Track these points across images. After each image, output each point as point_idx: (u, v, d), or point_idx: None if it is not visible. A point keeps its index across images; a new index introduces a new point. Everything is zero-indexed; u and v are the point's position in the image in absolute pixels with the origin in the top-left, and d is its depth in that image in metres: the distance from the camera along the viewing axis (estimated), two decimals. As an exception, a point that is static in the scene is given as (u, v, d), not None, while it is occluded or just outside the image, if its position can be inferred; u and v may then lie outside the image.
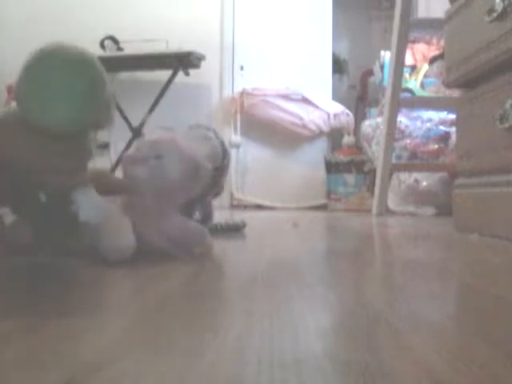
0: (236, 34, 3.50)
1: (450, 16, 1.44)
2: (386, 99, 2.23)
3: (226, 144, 1.23)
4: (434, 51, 2.83)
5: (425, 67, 2.81)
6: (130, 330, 0.40)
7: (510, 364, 0.33)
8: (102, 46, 3.18)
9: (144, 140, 0.85)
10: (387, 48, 2.65)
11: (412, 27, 2.20)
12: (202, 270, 0.75)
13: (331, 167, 3.12)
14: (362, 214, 2.49)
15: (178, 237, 0.79)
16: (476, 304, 0.52)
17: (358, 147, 3.18)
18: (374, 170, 2.47)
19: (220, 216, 1.56)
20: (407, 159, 2.55)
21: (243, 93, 3.37)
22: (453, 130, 2.41)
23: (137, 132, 3.04)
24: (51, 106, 0.59)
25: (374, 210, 2.27)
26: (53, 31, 3.41)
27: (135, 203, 0.79)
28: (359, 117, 3.60)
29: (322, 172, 3.21)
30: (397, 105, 2.20)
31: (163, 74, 3.10)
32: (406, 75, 2.72)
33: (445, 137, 2.54)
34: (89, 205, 0.68)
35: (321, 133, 3.42)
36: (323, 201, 3.24)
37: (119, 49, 3.22)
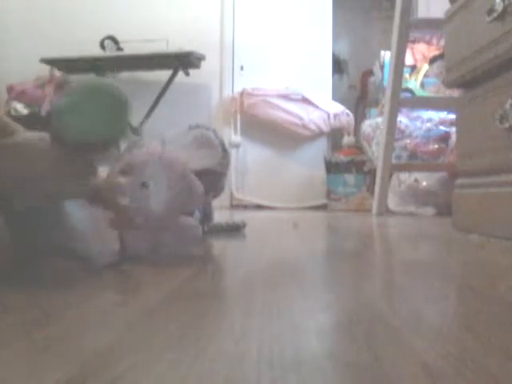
0: (236, 34, 3.50)
1: (449, 16, 1.44)
2: (386, 99, 2.23)
3: (226, 144, 1.23)
4: (433, 51, 2.83)
5: (425, 67, 2.81)
6: (130, 330, 0.40)
7: (510, 364, 0.33)
8: (102, 46, 3.18)
9: (127, 158, 0.81)
10: (387, 48, 2.65)
11: (412, 27, 2.20)
12: (202, 269, 0.75)
13: (331, 167, 3.12)
14: (362, 214, 2.49)
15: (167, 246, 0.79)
16: (476, 304, 0.52)
17: (358, 147, 3.18)
18: (374, 170, 2.47)
19: (220, 216, 1.56)
20: (407, 159, 2.55)
21: (243, 93, 3.37)
22: (453, 130, 2.41)
23: (137, 132, 3.04)
24: (90, 125, 0.66)
25: (374, 210, 2.27)
26: (53, 31, 3.42)
27: (123, 220, 0.78)
28: (359, 117, 3.61)
29: (322, 172, 3.21)
30: (397, 105, 2.20)
31: (163, 74, 3.10)
32: (406, 75, 2.72)
33: (445, 137, 2.54)
34: (81, 215, 0.70)
35: (321, 133, 3.42)
36: (323, 201, 3.24)
37: (119, 49, 3.22)
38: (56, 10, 3.47)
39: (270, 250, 0.99)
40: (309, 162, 3.44)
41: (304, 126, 3.36)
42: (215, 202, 1.27)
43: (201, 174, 1.12)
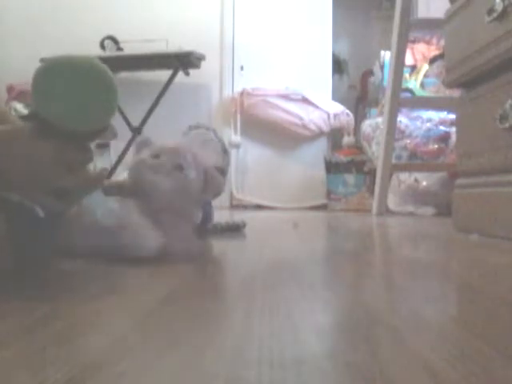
0: (236, 34, 3.50)
1: (450, 16, 1.44)
2: (386, 99, 2.23)
3: (226, 144, 1.23)
4: (434, 51, 2.83)
5: (425, 67, 2.81)
6: (130, 330, 0.40)
7: (510, 364, 0.33)
8: (102, 46, 3.18)
9: (158, 145, 0.82)
10: (387, 48, 2.65)
11: (412, 27, 2.20)
12: (202, 270, 0.75)
13: (331, 167, 3.12)
14: (362, 214, 2.49)
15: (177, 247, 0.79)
16: (476, 304, 0.52)
17: (358, 147, 3.18)
18: (374, 170, 2.47)
19: (220, 216, 1.56)
20: (407, 159, 2.55)
21: (243, 93, 3.37)
22: (453, 130, 2.41)
23: (137, 132, 3.04)
24: (79, 109, 0.62)
25: (374, 210, 2.27)
26: (53, 31, 3.42)
27: (146, 207, 0.79)
28: (359, 117, 3.60)
29: (322, 172, 3.21)
30: (397, 105, 2.20)
31: (163, 74, 3.10)
32: (406, 75, 2.72)
33: (445, 137, 2.54)
34: (104, 208, 0.69)
35: (321, 133, 3.42)
36: (323, 201, 3.24)
37: (119, 49, 3.22)
38: (56, 9, 3.47)
39: (270, 250, 0.99)
40: (309, 162, 3.44)
41: (304, 126, 3.36)
42: (215, 202, 1.27)
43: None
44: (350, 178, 3.06)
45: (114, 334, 0.39)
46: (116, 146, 3.11)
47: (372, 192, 2.49)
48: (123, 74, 3.32)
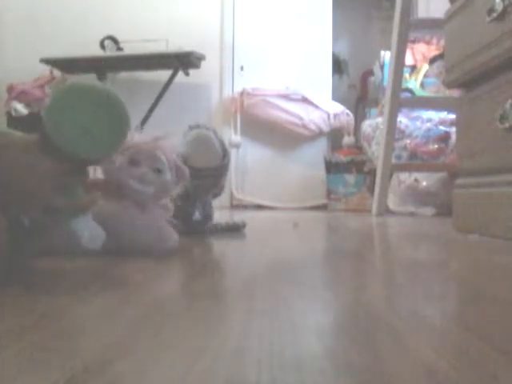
0: (236, 34, 3.50)
1: (450, 16, 1.44)
2: (386, 99, 2.23)
3: (226, 144, 1.23)
4: (434, 51, 2.83)
5: (425, 67, 2.81)
6: (130, 330, 0.40)
7: (510, 364, 0.33)
8: (102, 46, 3.18)
9: (134, 147, 0.83)
10: (387, 48, 2.65)
11: (412, 27, 2.20)
12: (202, 269, 0.75)
13: (331, 167, 3.12)
14: (362, 214, 2.49)
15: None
16: (476, 304, 0.52)
17: (358, 147, 3.18)
18: (374, 170, 2.47)
19: (220, 216, 1.56)
20: (407, 159, 2.55)
21: (243, 93, 3.37)
22: (453, 130, 2.41)
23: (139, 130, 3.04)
24: (88, 138, 0.62)
25: (374, 210, 2.27)
26: (53, 31, 3.42)
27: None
28: (359, 117, 3.60)
29: (322, 172, 3.21)
30: (397, 105, 2.20)
31: (163, 74, 3.10)
32: (406, 75, 2.72)
33: (445, 137, 2.54)
34: (89, 232, 0.70)
35: (321, 133, 3.42)
36: (323, 201, 3.24)
37: (119, 49, 3.22)
38: (56, 9, 3.47)
39: (270, 250, 0.99)
40: (309, 162, 3.44)
41: (304, 126, 3.36)
42: (215, 202, 1.27)
43: (201, 173, 1.12)
44: (350, 178, 3.06)
45: (113, 334, 0.39)
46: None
47: (372, 192, 2.49)
48: (123, 74, 3.32)
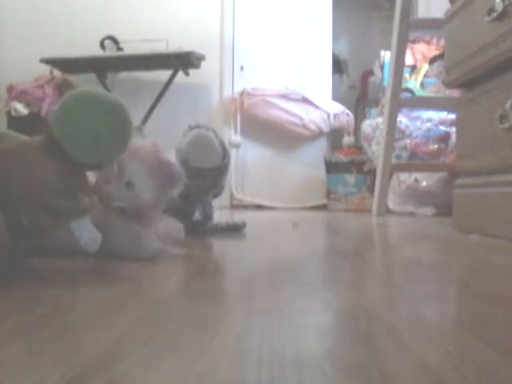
0: (236, 34, 3.50)
1: (450, 16, 1.44)
2: (386, 99, 2.23)
3: (226, 144, 1.23)
4: (434, 51, 2.83)
5: (425, 67, 2.81)
6: (131, 330, 0.40)
7: (510, 364, 0.33)
8: (102, 46, 3.18)
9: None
10: (387, 48, 2.65)
11: (412, 27, 2.20)
12: (202, 270, 0.75)
13: (331, 167, 3.12)
14: (362, 214, 2.49)
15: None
16: (476, 304, 0.52)
17: (358, 147, 3.18)
18: (374, 170, 2.47)
19: (220, 216, 1.56)
20: (407, 159, 2.55)
21: (243, 93, 3.37)
22: (453, 130, 2.41)
23: (138, 132, 3.04)
24: (92, 144, 0.64)
25: (374, 210, 2.27)
26: (53, 31, 3.42)
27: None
28: (359, 117, 3.60)
29: (322, 172, 3.21)
30: (397, 105, 2.20)
31: (163, 74, 3.10)
32: (406, 75, 2.72)
33: (445, 137, 2.54)
34: (88, 234, 0.70)
35: (321, 133, 3.42)
36: (323, 201, 3.24)
37: (119, 49, 3.22)
38: (56, 10, 3.47)
39: (270, 250, 0.99)
40: (309, 162, 3.44)
41: (304, 126, 3.36)
42: (215, 202, 1.27)
43: (201, 173, 1.12)
44: (350, 178, 3.06)
45: (113, 333, 0.39)
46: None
47: (372, 192, 2.49)
48: (123, 74, 3.32)
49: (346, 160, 3.09)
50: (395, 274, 0.74)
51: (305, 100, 3.36)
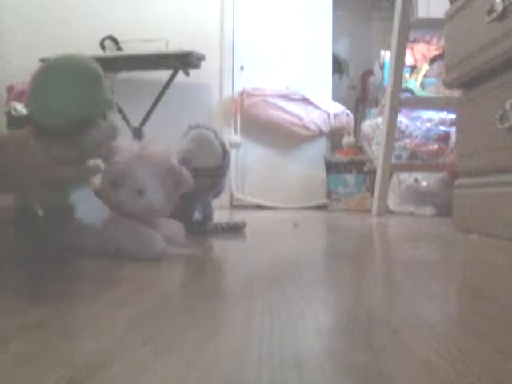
0: (236, 34, 3.50)
1: (450, 16, 1.44)
2: (386, 99, 2.23)
3: (226, 144, 1.23)
4: (434, 51, 2.83)
5: (425, 67, 2.81)
6: (130, 330, 0.40)
7: (510, 364, 0.33)
8: (102, 46, 3.18)
9: (115, 168, 0.80)
10: (387, 48, 2.65)
11: (412, 27, 2.20)
12: (202, 270, 0.75)
13: (331, 167, 3.12)
14: (362, 214, 2.49)
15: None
16: (476, 304, 0.52)
17: (358, 147, 3.18)
18: (374, 170, 2.47)
19: (220, 216, 1.56)
20: (407, 159, 2.55)
21: (243, 93, 3.37)
22: (453, 130, 2.41)
23: (137, 132, 3.04)
24: (49, 105, 0.65)
25: (374, 210, 2.27)
26: (53, 31, 3.42)
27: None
28: (359, 117, 3.60)
29: (322, 172, 3.21)
30: (397, 105, 2.20)
31: (163, 74, 3.10)
32: (406, 75, 2.72)
33: (445, 137, 2.54)
34: (87, 205, 0.69)
35: (321, 133, 3.42)
36: (323, 201, 3.24)
37: (119, 49, 3.22)
38: (56, 10, 3.47)
39: (270, 250, 0.99)
40: (309, 162, 3.44)
41: (304, 126, 3.36)
42: (215, 202, 1.27)
43: (201, 173, 1.12)
44: (350, 178, 3.06)
45: (113, 333, 0.39)
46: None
47: (372, 192, 2.49)
48: (123, 74, 3.32)
49: (346, 160, 3.09)
50: (395, 274, 0.74)
51: (305, 100, 3.36)
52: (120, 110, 3.03)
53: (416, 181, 2.47)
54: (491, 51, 1.18)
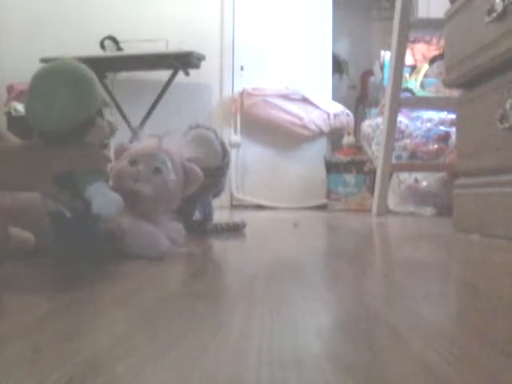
0: (236, 34, 3.50)
1: (450, 16, 1.44)
2: (386, 99, 2.23)
3: (226, 144, 1.23)
4: (434, 51, 2.83)
5: (425, 67, 2.81)
6: (130, 330, 0.40)
7: (510, 364, 0.33)
8: (102, 46, 3.18)
9: (136, 150, 0.85)
10: (387, 48, 2.65)
11: (412, 27, 2.20)
12: (202, 270, 0.75)
13: (331, 167, 3.12)
14: (362, 214, 2.49)
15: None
16: (476, 304, 0.52)
17: (358, 147, 3.18)
18: (374, 170, 2.47)
19: (220, 216, 1.56)
20: (407, 159, 2.55)
21: (243, 93, 3.37)
22: (453, 130, 2.41)
23: (137, 132, 3.04)
24: (44, 113, 0.67)
25: (374, 210, 2.27)
26: (53, 32, 3.42)
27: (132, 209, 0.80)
28: (359, 117, 3.60)
29: (322, 172, 3.21)
30: (397, 105, 2.20)
31: (163, 74, 3.10)
32: (406, 75, 2.72)
33: (445, 137, 2.54)
34: (102, 197, 0.69)
35: (321, 133, 3.42)
36: (323, 201, 3.24)
37: (119, 49, 3.22)
38: (56, 10, 3.47)
39: (270, 250, 0.99)
40: (309, 162, 3.44)
41: (304, 126, 3.36)
42: (215, 202, 1.27)
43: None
44: (350, 178, 3.06)
45: (113, 334, 0.39)
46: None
47: (372, 192, 2.49)
48: (123, 74, 3.32)
49: (346, 160, 3.09)
50: (395, 274, 0.74)
51: (305, 100, 3.36)
52: (120, 110, 3.03)
53: (416, 181, 2.46)
54: (491, 51, 1.18)
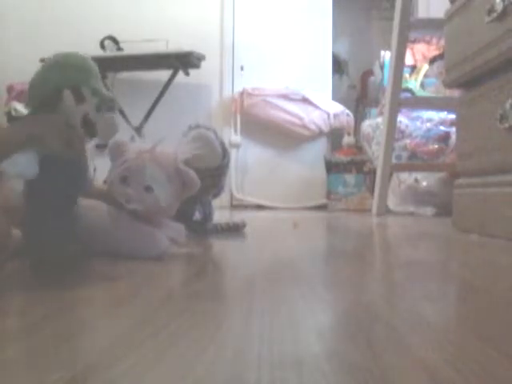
0: (236, 34, 3.50)
1: (450, 16, 1.44)
2: (386, 99, 2.23)
3: (226, 144, 1.23)
4: (434, 51, 2.83)
5: (425, 67, 2.81)
6: (130, 331, 0.40)
7: (510, 364, 0.33)
8: (102, 45, 3.18)
9: (124, 165, 0.83)
10: (387, 48, 2.65)
11: (412, 27, 2.20)
12: (202, 269, 0.75)
13: (331, 167, 3.12)
14: (361, 214, 2.49)
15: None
16: (476, 304, 0.52)
17: (358, 147, 3.18)
18: (374, 170, 2.47)
19: (220, 216, 1.56)
20: (407, 159, 2.55)
21: (243, 93, 3.37)
22: (453, 130, 2.41)
23: (137, 132, 3.04)
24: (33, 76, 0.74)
25: (374, 210, 2.27)
26: (53, 32, 3.42)
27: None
28: (359, 117, 3.60)
29: (322, 172, 3.21)
30: (397, 105, 2.20)
31: (163, 74, 3.10)
32: (406, 75, 2.72)
33: (445, 137, 2.54)
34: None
35: (321, 133, 3.42)
36: (323, 201, 3.24)
37: (119, 49, 3.22)
38: (56, 10, 3.47)
39: (270, 250, 0.99)
40: (309, 162, 3.44)
41: (304, 126, 3.36)
42: (215, 202, 1.27)
43: (201, 173, 1.12)
44: (350, 178, 3.06)
45: (114, 334, 0.39)
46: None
47: (372, 192, 2.49)
48: (123, 74, 3.32)
49: (346, 160, 3.09)
50: (395, 274, 0.74)
51: (305, 100, 3.36)
52: (120, 110, 3.03)
53: (416, 181, 2.46)
54: (491, 51, 1.18)
